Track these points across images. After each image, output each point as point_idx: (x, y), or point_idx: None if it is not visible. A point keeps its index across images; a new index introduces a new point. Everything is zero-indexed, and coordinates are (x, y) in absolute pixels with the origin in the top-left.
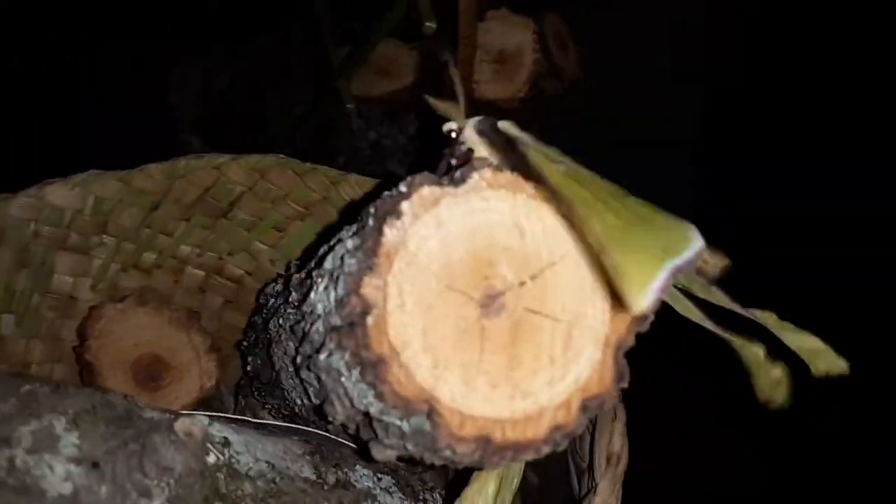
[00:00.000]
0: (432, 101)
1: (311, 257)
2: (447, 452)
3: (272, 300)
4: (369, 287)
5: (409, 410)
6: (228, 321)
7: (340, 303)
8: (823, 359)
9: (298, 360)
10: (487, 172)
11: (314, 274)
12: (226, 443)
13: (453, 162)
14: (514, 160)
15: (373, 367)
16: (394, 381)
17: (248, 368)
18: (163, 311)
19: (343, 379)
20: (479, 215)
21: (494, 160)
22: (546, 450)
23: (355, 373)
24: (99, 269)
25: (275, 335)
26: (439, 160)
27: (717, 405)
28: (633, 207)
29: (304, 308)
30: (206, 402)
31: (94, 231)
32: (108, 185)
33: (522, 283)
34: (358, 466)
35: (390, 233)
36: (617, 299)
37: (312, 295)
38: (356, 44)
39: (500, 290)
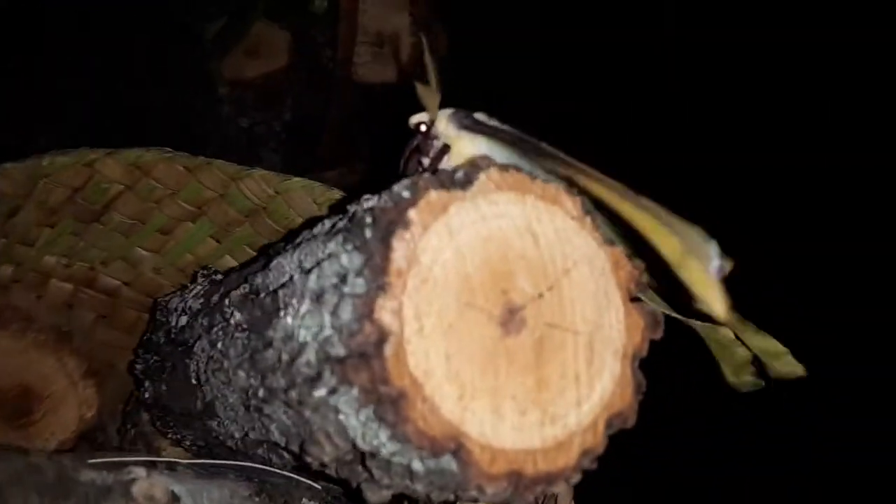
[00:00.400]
0: (418, 86)
1: (245, 267)
2: (473, 493)
3: (182, 318)
4: (384, 311)
5: (434, 450)
6: (103, 339)
7: (346, 331)
8: (782, 362)
9: (261, 392)
10: (494, 172)
11: (281, 293)
12: (174, 498)
13: (425, 161)
14: (511, 156)
15: (392, 404)
16: (417, 419)
17: (147, 395)
18: (26, 334)
19: (342, 417)
20: (491, 221)
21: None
22: (576, 478)
23: (366, 412)
24: None
25: (207, 360)
26: (406, 158)
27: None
28: (652, 211)
29: (271, 333)
30: (87, 435)
31: None
32: None
33: (541, 295)
34: (304, 500)
35: (400, 246)
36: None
37: (289, 319)
38: (229, 20)
39: (519, 305)
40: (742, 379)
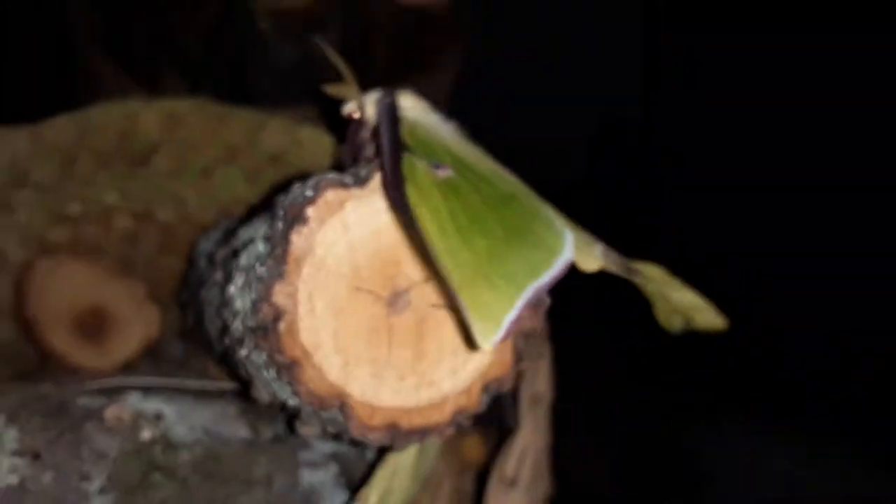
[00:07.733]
0: (328, 87)
1: (241, 223)
2: (360, 438)
3: (202, 262)
4: (280, 294)
5: (322, 406)
6: (166, 267)
7: (254, 307)
8: (703, 315)
9: (227, 341)
10: None
11: (233, 264)
12: (160, 416)
13: (366, 153)
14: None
15: (287, 369)
16: (308, 381)
17: (188, 322)
18: (97, 262)
19: (264, 373)
20: (383, 215)
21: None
22: (450, 431)
23: (272, 371)
24: (25, 223)
25: (205, 308)
26: (346, 149)
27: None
28: (509, 220)
29: (226, 294)
30: (154, 349)
31: (15, 185)
32: (20, 142)
33: (426, 280)
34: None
35: (298, 240)
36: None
37: (232, 288)
38: None
39: (405, 288)
40: (672, 323)
